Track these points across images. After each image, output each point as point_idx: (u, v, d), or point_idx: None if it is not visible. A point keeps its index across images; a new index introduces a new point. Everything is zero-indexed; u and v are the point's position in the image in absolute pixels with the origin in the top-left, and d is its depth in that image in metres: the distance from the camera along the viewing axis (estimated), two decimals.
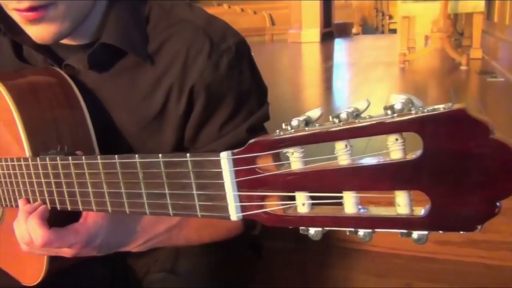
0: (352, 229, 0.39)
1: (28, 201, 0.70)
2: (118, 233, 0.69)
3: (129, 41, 0.75)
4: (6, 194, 0.75)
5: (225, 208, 0.44)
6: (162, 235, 0.73)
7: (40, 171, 0.66)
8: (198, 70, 0.75)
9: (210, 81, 0.75)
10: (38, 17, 0.66)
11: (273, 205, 0.43)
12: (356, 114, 0.38)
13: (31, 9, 0.65)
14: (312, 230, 0.42)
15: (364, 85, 3.27)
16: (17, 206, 0.74)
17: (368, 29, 8.97)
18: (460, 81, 3.23)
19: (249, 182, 0.43)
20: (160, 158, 0.49)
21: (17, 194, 0.72)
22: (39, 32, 0.69)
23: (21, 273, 0.81)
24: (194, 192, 0.47)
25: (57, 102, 0.76)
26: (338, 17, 6.91)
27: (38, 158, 0.66)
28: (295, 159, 0.41)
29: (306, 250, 1.28)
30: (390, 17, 8.92)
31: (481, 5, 3.44)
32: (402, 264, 1.21)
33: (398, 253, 1.23)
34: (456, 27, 4.26)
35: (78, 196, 0.61)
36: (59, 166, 0.62)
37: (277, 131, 0.42)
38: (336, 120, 0.38)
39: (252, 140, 0.42)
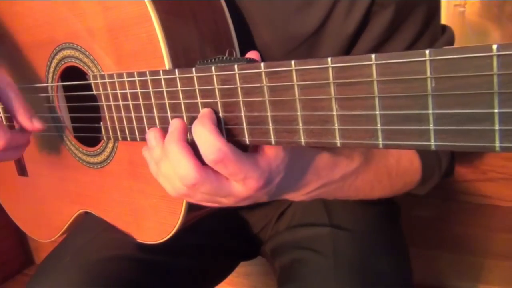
0: None
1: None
2: (295, 171, 0.49)
3: None
4: (126, 123, 0.55)
5: None
6: (337, 182, 0.54)
7: (196, 88, 0.45)
8: None
9: None
10: None
11: None
12: None
13: None
14: None
15: None
16: (141, 139, 0.54)
17: None
18: None
19: None
20: (495, 51, 0.28)
21: (145, 123, 0.52)
22: None
23: (138, 227, 0.63)
24: None
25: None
26: None
27: (193, 69, 0.45)
28: None
29: (428, 204, 1.09)
30: None
31: None
32: None
33: None
34: None
35: (269, 123, 0.41)
36: (237, 79, 0.42)
37: None
38: None
39: None
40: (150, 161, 0.49)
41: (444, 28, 0.63)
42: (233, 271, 0.86)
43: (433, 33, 0.60)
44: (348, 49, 0.59)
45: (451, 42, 0.62)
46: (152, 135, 0.48)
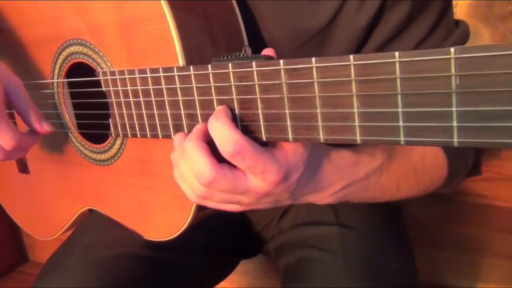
0: None
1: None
2: (315, 169, 0.48)
3: None
4: (136, 120, 0.55)
5: None
6: (361, 181, 0.53)
7: (212, 84, 0.46)
8: None
9: None
10: None
11: None
12: None
13: None
14: None
15: None
16: (152, 136, 0.54)
17: None
18: None
19: None
20: None
21: (157, 119, 0.52)
22: None
23: (145, 224, 0.62)
24: None
25: None
26: None
27: (209, 66, 0.45)
28: None
29: (424, 204, 1.10)
30: None
31: None
32: None
33: None
34: None
35: (287, 120, 0.41)
36: (255, 76, 0.42)
37: None
38: None
39: None
40: (173, 163, 0.48)
41: (457, 22, 0.62)
42: (234, 269, 0.87)
43: (447, 26, 0.59)
44: (360, 43, 0.58)
45: (466, 35, 0.61)
46: (177, 137, 0.48)
